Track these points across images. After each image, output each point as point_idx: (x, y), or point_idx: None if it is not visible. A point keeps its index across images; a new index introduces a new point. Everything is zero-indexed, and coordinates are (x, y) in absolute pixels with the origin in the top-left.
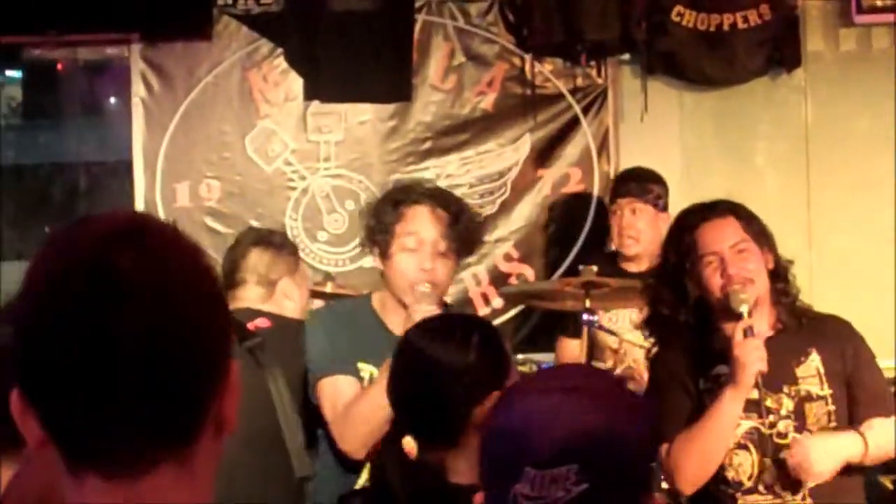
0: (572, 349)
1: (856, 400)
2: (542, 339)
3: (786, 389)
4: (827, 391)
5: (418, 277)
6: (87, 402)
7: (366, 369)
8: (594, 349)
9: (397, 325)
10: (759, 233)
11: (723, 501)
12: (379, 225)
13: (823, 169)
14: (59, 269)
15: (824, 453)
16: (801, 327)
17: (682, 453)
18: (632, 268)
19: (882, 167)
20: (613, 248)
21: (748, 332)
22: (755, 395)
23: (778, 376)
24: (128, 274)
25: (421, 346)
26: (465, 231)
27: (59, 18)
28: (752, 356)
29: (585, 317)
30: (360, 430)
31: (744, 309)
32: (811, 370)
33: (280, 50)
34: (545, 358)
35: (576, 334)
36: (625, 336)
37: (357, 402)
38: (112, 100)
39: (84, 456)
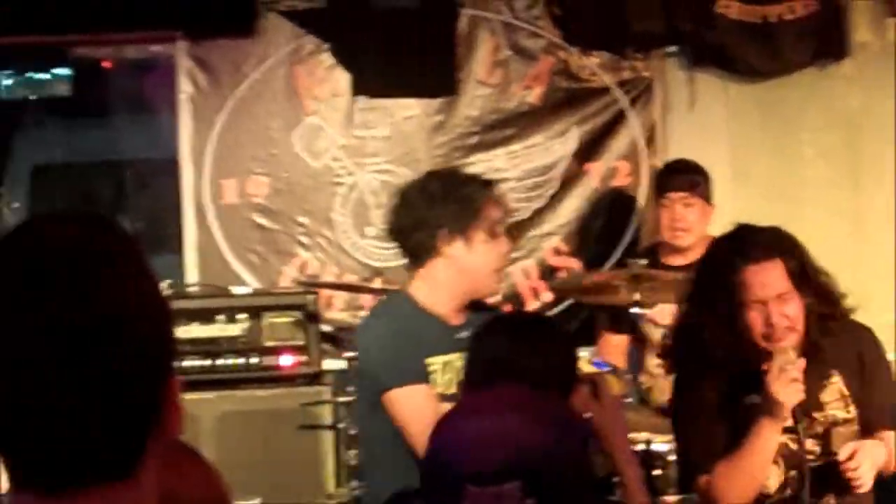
0: (614, 344)
1: (866, 417)
2: (591, 333)
3: (814, 415)
4: (853, 413)
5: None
6: (18, 423)
7: (433, 364)
8: (642, 343)
9: (450, 313)
10: (803, 271)
11: None
12: (465, 208)
13: (871, 159)
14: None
15: (871, 461)
16: (824, 346)
17: (725, 483)
18: (673, 262)
19: None
20: (658, 240)
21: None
22: (789, 421)
23: (805, 405)
24: (66, 309)
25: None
26: None
27: (105, 17)
28: (787, 391)
29: (634, 309)
30: None
31: (789, 366)
32: (835, 394)
33: (326, 45)
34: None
35: (618, 330)
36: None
37: None
38: (159, 97)
39: (20, 472)
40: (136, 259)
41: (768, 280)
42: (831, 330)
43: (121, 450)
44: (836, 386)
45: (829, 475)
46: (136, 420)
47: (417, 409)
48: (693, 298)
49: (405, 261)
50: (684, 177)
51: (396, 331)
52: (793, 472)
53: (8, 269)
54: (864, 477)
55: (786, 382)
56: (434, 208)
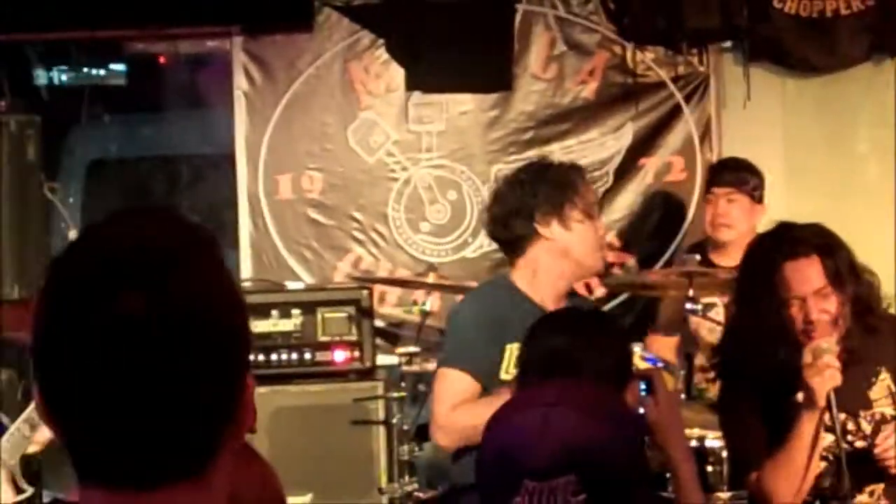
0: (663, 344)
1: None
2: (646, 327)
3: (862, 414)
4: None
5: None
6: (94, 419)
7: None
8: (692, 344)
9: (551, 300)
10: (841, 269)
11: None
12: (558, 190)
13: None
14: (70, 293)
15: None
16: (871, 344)
17: (774, 478)
18: (718, 260)
19: None
20: (705, 236)
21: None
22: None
23: (853, 402)
24: (142, 306)
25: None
26: None
27: (161, 12)
28: (820, 377)
29: (689, 305)
30: (459, 435)
31: (828, 358)
32: (884, 390)
33: (381, 41)
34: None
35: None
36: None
37: (466, 413)
38: (214, 93)
39: (90, 470)
40: (212, 253)
41: (806, 275)
42: (874, 327)
43: (196, 447)
44: (884, 383)
45: (865, 462)
46: (212, 417)
47: (450, 393)
48: (737, 298)
49: (458, 256)
50: (731, 173)
51: (479, 316)
52: (827, 461)
53: (86, 265)
54: None
55: (819, 369)
56: (527, 193)
